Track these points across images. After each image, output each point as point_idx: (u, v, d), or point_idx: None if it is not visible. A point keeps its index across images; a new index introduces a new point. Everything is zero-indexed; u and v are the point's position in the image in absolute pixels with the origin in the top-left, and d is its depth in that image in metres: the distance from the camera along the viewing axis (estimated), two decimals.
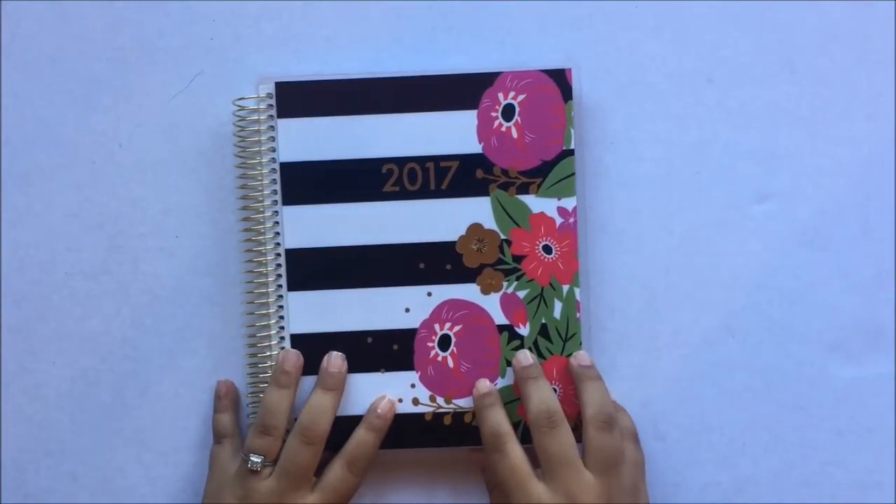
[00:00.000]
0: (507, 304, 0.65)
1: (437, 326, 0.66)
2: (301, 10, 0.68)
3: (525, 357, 0.64)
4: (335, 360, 0.65)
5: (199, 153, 0.68)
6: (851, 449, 0.67)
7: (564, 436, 0.62)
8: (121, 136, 0.68)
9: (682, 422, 0.68)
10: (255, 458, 0.63)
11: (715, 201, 0.67)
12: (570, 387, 0.65)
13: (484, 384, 0.65)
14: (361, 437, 0.64)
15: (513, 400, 0.65)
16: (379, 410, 0.65)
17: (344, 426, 0.65)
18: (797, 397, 0.67)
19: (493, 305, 0.65)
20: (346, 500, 0.65)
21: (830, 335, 0.67)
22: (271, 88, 0.65)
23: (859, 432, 0.67)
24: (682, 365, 0.68)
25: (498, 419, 0.64)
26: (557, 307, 0.65)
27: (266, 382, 0.66)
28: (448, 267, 0.65)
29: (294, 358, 0.65)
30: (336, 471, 0.64)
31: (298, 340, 0.65)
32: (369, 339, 0.65)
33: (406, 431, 0.66)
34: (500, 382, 0.66)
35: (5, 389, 0.68)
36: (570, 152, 0.65)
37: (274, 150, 0.65)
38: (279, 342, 0.66)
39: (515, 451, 0.62)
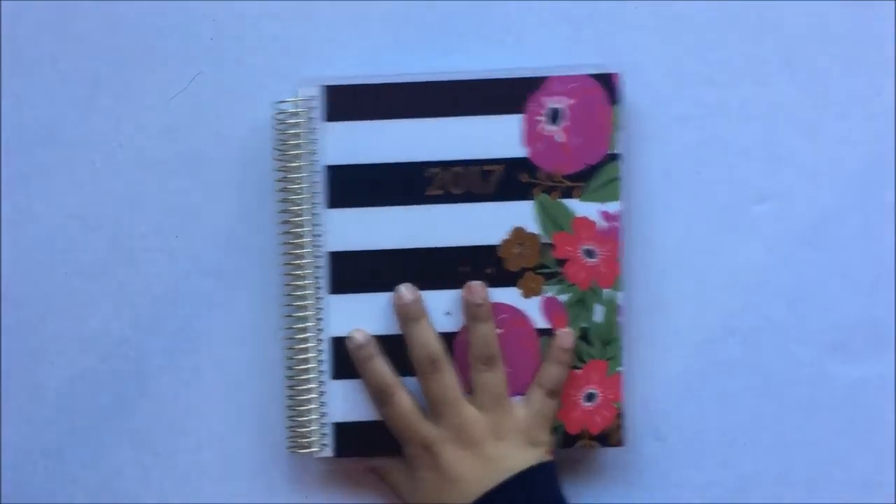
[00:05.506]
0: (548, 308, 0.65)
1: None
2: (301, 10, 0.67)
3: (406, 292, 0.64)
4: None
5: (199, 153, 0.68)
6: (851, 449, 0.67)
7: (447, 378, 0.63)
8: (121, 136, 0.68)
9: (682, 422, 0.68)
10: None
11: (715, 201, 0.67)
12: (610, 392, 0.65)
13: (359, 335, 0.64)
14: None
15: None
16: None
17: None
18: (797, 397, 0.67)
19: (533, 309, 0.65)
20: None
21: (830, 335, 0.67)
22: (312, 91, 0.64)
23: (859, 432, 0.67)
24: (682, 365, 0.68)
25: (381, 370, 0.64)
26: (598, 311, 0.65)
27: (303, 385, 0.65)
28: (489, 270, 0.65)
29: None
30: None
31: (339, 344, 0.65)
32: None
33: None
34: None
35: (5, 389, 0.68)
36: (616, 156, 0.64)
37: (314, 152, 0.65)
38: (317, 345, 0.65)
39: (404, 399, 0.63)
